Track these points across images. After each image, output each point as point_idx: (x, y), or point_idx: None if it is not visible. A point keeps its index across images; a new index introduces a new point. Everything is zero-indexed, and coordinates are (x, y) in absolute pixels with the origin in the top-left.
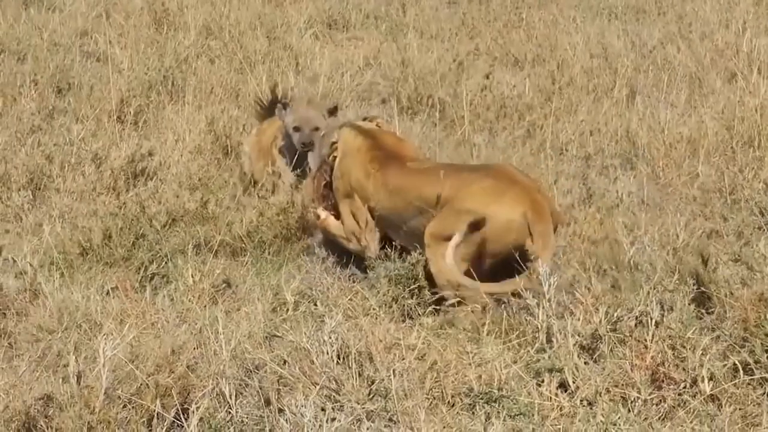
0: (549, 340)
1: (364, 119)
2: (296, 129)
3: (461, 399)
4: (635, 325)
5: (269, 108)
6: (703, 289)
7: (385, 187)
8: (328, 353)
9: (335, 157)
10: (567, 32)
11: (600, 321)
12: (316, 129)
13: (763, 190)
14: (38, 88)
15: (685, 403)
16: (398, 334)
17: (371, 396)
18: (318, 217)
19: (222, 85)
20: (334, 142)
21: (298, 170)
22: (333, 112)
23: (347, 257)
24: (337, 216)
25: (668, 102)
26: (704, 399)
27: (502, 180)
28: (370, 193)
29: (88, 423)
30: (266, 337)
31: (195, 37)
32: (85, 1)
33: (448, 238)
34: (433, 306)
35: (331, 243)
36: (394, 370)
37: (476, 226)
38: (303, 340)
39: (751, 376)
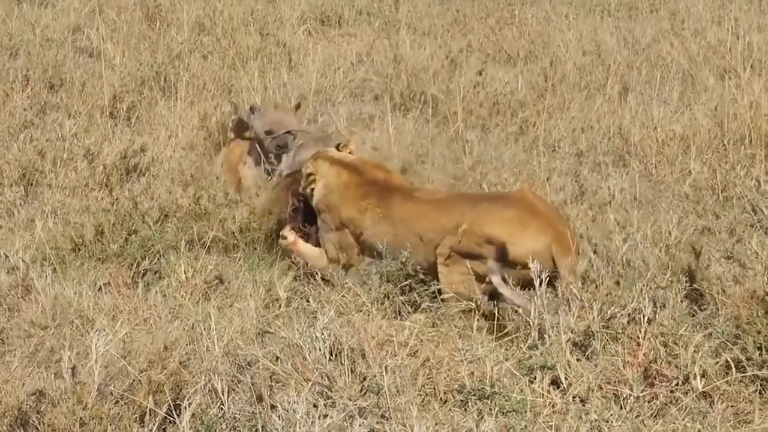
0: (541, 337)
1: (337, 147)
2: (268, 132)
3: (453, 395)
4: (628, 322)
5: (237, 128)
6: (695, 286)
7: (388, 220)
8: (320, 350)
9: (312, 189)
10: (560, 29)
11: (593, 318)
12: (288, 132)
13: (755, 188)
14: (30, 83)
15: (677, 400)
16: (390, 331)
17: (363, 392)
18: (284, 238)
19: (214, 81)
20: (310, 174)
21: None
22: (297, 108)
23: None
24: (305, 238)
25: (661, 99)
26: (696, 396)
27: (525, 210)
28: (366, 226)
29: (81, 419)
30: (258, 333)
31: (187, 33)
32: None
33: (466, 256)
34: (426, 303)
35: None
36: (386, 367)
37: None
38: (295, 336)
39: (744, 373)
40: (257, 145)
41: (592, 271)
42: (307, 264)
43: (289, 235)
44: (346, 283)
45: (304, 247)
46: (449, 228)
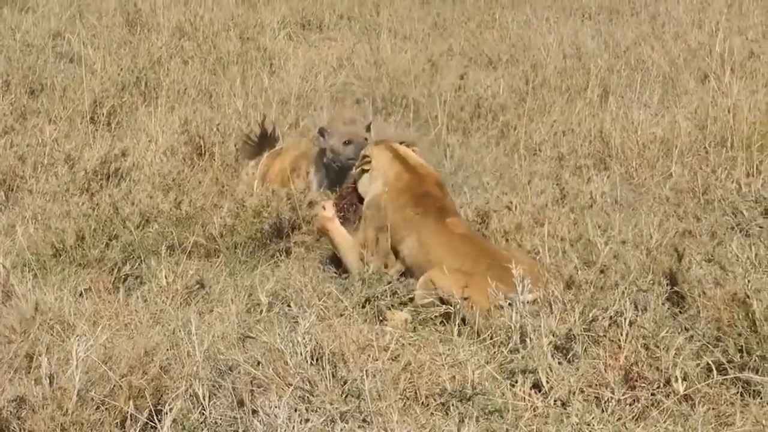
0: (523, 340)
1: (401, 143)
2: (347, 143)
3: (435, 399)
4: (609, 324)
5: (259, 143)
6: (676, 288)
7: (417, 238)
8: (301, 354)
9: (363, 170)
10: (540, 33)
11: (574, 321)
12: (365, 140)
13: (735, 190)
14: (11, 88)
15: (658, 402)
16: (371, 335)
17: (345, 397)
18: (323, 209)
19: (195, 86)
20: (365, 156)
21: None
22: (368, 129)
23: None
24: (343, 223)
25: (641, 102)
26: (678, 399)
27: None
28: (403, 237)
29: (61, 424)
30: (240, 338)
31: (168, 38)
32: (59, 2)
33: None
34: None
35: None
36: (367, 371)
37: None
38: (276, 341)
39: (725, 375)
40: (331, 160)
41: (573, 274)
42: (334, 249)
43: (330, 209)
44: (327, 288)
45: (339, 230)
46: (449, 267)
